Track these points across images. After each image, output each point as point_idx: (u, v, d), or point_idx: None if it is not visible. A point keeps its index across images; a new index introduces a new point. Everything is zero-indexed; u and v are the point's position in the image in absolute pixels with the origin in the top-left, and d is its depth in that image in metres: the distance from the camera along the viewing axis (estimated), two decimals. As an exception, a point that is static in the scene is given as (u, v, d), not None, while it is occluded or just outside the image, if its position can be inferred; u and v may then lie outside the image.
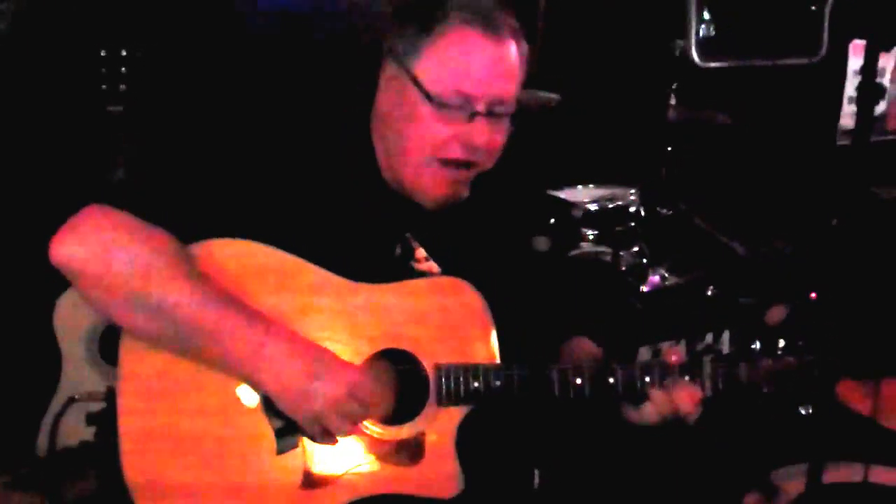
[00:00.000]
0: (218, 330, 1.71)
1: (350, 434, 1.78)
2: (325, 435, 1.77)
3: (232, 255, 1.79)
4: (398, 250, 1.95)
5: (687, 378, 1.82)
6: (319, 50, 3.51)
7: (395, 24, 1.88)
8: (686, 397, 1.82)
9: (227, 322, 1.71)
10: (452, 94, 1.81)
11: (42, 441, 3.06)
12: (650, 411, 1.83)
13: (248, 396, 1.78)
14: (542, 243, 1.95)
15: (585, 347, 2.05)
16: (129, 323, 1.75)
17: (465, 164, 1.86)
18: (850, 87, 4.22)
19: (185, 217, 1.79)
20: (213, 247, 1.78)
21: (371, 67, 1.92)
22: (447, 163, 1.85)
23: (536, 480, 2.16)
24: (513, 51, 1.85)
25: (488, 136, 1.84)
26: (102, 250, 1.71)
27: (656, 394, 1.82)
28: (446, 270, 1.95)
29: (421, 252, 1.96)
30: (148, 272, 1.70)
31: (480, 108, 1.82)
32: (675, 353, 1.86)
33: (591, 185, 3.65)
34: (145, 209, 1.76)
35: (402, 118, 1.86)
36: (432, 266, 1.96)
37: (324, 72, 3.44)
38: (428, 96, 1.81)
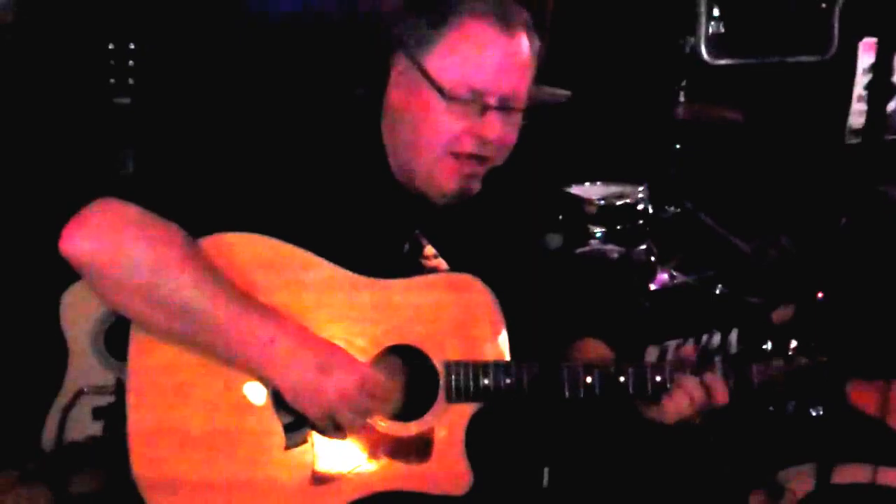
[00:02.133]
0: (228, 325, 1.71)
1: (360, 429, 1.78)
2: (336, 429, 1.76)
3: (242, 248, 1.78)
4: (406, 247, 1.94)
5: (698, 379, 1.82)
6: (330, 43, 3.51)
7: (405, 17, 1.87)
8: (710, 391, 1.82)
9: (238, 317, 1.71)
10: (464, 89, 1.80)
11: (48, 436, 3.06)
12: (669, 410, 1.82)
13: (258, 391, 1.78)
14: (554, 241, 1.94)
15: (597, 349, 2.04)
16: (139, 316, 1.74)
17: (477, 158, 1.85)
18: (860, 85, 4.21)
19: (195, 211, 1.78)
20: (223, 240, 1.78)
21: (382, 61, 1.91)
22: (460, 156, 1.84)
23: (546, 478, 2.16)
24: (525, 45, 1.84)
25: (501, 131, 1.83)
26: (113, 243, 1.70)
27: (678, 391, 1.81)
28: (454, 268, 1.94)
29: (429, 249, 1.95)
30: (158, 266, 1.70)
31: (492, 102, 1.81)
32: (689, 349, 1.86)
33: (599, 183, 3.64)
34: (156, 203, 1.75)
35: (414, 112, 1.85)
36: (440, 263, 1.95)
37: (334, 65, 3.44)
38: (440, 90, 1.80)
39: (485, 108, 1.81)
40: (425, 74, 1.81)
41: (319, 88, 3.26)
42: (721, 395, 1.81)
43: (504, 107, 1.82)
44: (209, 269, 1.73)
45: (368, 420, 1.78)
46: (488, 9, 1.80)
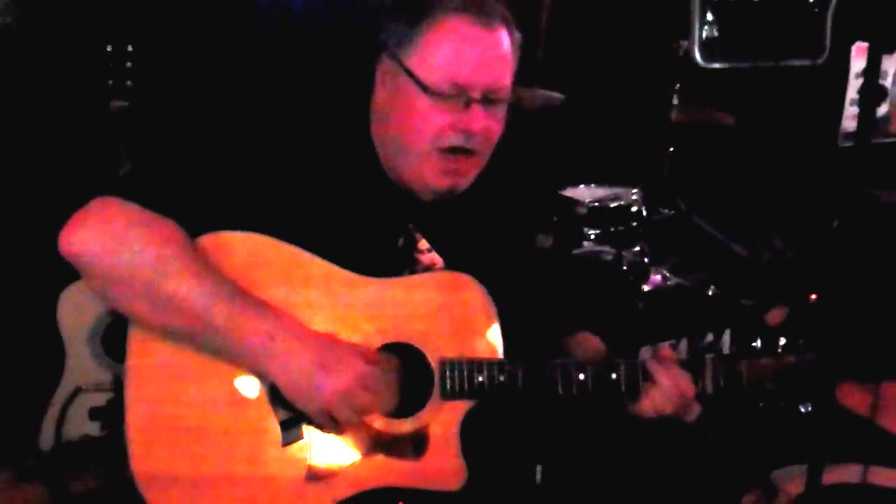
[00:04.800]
0: (227, 322, 1.72)
1: (358, 424, 1.79)
2: (334, 425, 1.78)
3: (238, 247, 1.80)
4: (401, 241, 1.96)
5: (689, 376, 1.85)
6: (320, 45, 3.52)
7: (388, 18, 1.90)
8: (679, 387, 1.84)
9: (237, 314, 1.72)
10: (447, 84, 1.82)
11: (46, 434, 3.07)
12: (645, 405, 1.85)
13: (255, 388, 1.79)
14: (544, 241, 1.96)
15: (591, 343, 2.06)
16: (138, 314, 1.76)
17: (463, 152, 1.88)
18: (853, 89, 4.23)
19: (193, 209, 1.79)
20: (220, 239, 1.80)
21: (368, 63, 1.94)
22: (446, 151, 1.86)
23: (538, 475, 2.18)
24: (504, 38, 1.86)
25: (485, 123, 1.85)
26: (113, 241, 1.72)
27: (652, 387, 1.84)
28: (448, 261, 1.96)
29: (423, 243, 1.97)
30: (158, 264, 1.71)
31: (476, 95, 1.83)
32: (667, 351, 1.88)
33: (593, 185, 3.67)
34: (154, 202, 1.77)
35: (400, 111, 1.87)
36: (434, 257, 1.97)
37: (324, 67, 3.45)
38: (423, 87, 1.82)
39: (468, 102, 1.83)
40: (408, 73, 1.84)
41: (311, 89, 3.28)
42: (686, 387, 1.85)
43: (487, 99, 1.85)
44: (208, 267, 1.75)
45: (365, 416, 1.80)
46: (465, 5, 1.83)
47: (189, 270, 1.72)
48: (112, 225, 1.73)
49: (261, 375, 1.78)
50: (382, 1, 1.98)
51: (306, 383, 1.74)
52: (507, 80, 1.88)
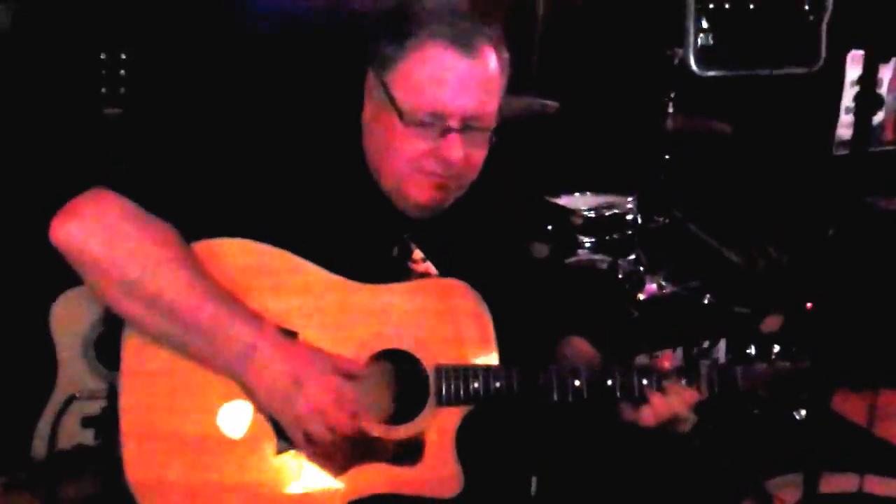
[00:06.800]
0: (214, 329, 1.71)
1: (335, 440, 1.75)
2: (308, 442, 1.74)
3: (233, 253, 1.79)
4: (395, 251, 1.95)
5: (684, 382, 1.84)
6: (313, 54, 3.52)
7: (374, 34, 1.87)
8: (681, 401, 1.84)
9: (224, 321, 1.71)
10: (423, 113, 1.79)
11: (39, 443, 3.06)
12: (647, 414, 1.84)
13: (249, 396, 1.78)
14: (540, 250, 1.95)
15: (582, 348, 2.05)
16: (125, 310, 1.73)
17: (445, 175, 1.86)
18: (847, 97, 4.25)
19: (187, 215, 1.78)
20: (214, 245, 1.79)
21: (359, 73, 1.92)
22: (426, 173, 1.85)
23: (534, 487, 2.17)
24: (489, 62, 1.82)
25: (462, 152, 1.82)
26: (105, 233, 1.70)
27: (655, 397, 1.83)
28: (443, 272, 1.95)
29: (418, 253, 1.96)
30: (149, 262, 1.70)
31: (454, 124, 1.80)
32: (667, 359, 1.88)
33: (588, 193, 3.67)
34: (149, 203, 1.75)
35: (381, 129, 1.85)
36: (429, 267, 1.96)
37: (317, 75, 3.45)
38: (399, 113, 1.80)
39: (445, 131, 1.80)
40: (388, 95, 1.81)
41: (306, 96, 3.27)
42: (685, 404, 1.84)
43: (467, 127, 1.81)
44: (201, 272, 1.74)
45: (363, 424, 1.77)
46: (448, 30, 1.78)
47: (180, 272, 1.71)
48: (105, 217, 1.72)
49: (242, 384, 1.75)
50: (374, 10, 1.97)
51: (281, 396, 1.72)
52: (490, 106, 1.84)
